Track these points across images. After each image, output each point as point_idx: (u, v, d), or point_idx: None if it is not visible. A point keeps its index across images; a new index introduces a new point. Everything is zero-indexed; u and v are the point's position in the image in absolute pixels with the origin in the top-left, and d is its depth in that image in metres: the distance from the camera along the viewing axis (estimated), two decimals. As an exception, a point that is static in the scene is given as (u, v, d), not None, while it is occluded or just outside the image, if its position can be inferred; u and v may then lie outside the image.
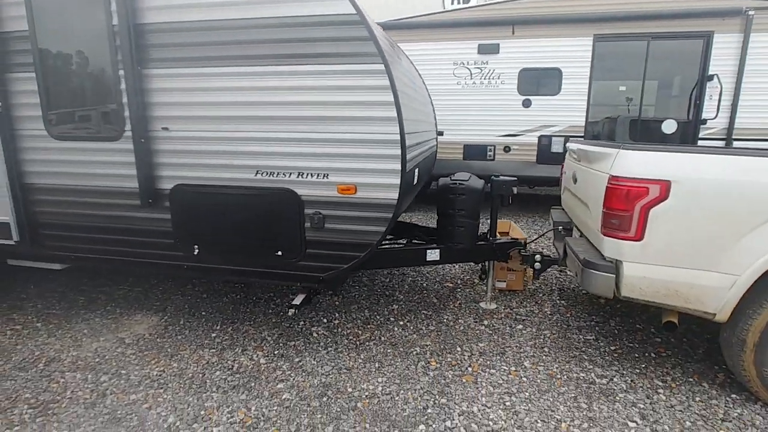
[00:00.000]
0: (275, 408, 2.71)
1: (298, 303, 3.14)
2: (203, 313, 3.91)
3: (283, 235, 2.82)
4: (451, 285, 4.56)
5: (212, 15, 2.66)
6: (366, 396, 2.83)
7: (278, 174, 2.74)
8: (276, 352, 3.29)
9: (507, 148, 7.07)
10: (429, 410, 2.70)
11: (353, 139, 2.61)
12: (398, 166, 2.61)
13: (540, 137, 6.88)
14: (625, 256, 2.56)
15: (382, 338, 3.51)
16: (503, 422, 2.57)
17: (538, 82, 6.72)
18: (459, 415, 2.65)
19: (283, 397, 2.81)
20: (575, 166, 3.60)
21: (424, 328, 3.68)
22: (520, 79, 6.86)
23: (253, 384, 2.93)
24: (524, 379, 2.97)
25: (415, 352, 3.31)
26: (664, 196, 2.41)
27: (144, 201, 2.92)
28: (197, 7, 2.67)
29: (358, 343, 3.44)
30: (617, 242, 2.57)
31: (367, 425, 2.57)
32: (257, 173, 2.77)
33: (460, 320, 3.80)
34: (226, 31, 2.67)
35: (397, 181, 2.63)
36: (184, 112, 2.81)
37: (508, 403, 2.73)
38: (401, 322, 3.76)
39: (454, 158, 7.31)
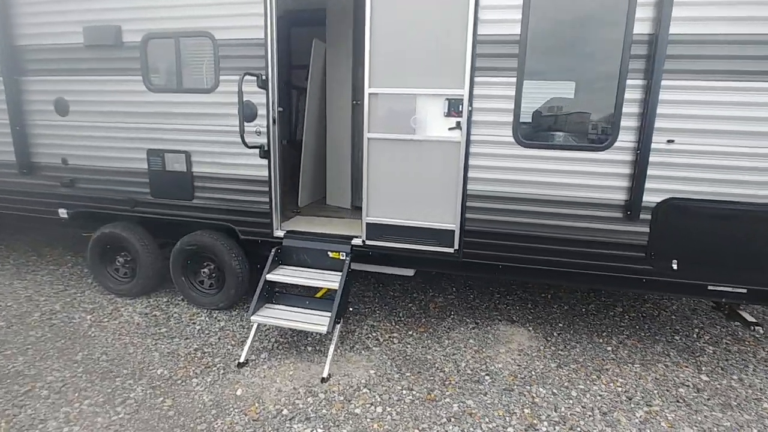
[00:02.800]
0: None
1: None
2: (560, 324, 3.83)
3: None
4: None
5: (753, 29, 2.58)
6: None
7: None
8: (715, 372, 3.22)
9: None
10: None
11: None
12: None
13: None
14: None
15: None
16: None
17: None
18: None
19: (789, 420, 2.75)
20: None
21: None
22: None
23: (735, 403, 2.85)
24: None
25: None
26: None
27: (631, 214, 2.85)
28: (736, 21, 2.59)
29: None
30: None
31: None
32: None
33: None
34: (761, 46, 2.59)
35: None
36: (695, 125, 2.74)
37: None
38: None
39: None
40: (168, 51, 3.51)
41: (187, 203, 3.73)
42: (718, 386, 3.03)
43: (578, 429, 2.57)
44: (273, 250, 3.47)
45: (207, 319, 3.79)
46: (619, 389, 2.96)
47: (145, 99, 3.62)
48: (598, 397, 2.87)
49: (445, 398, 2.81)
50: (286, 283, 3.37)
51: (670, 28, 2.63)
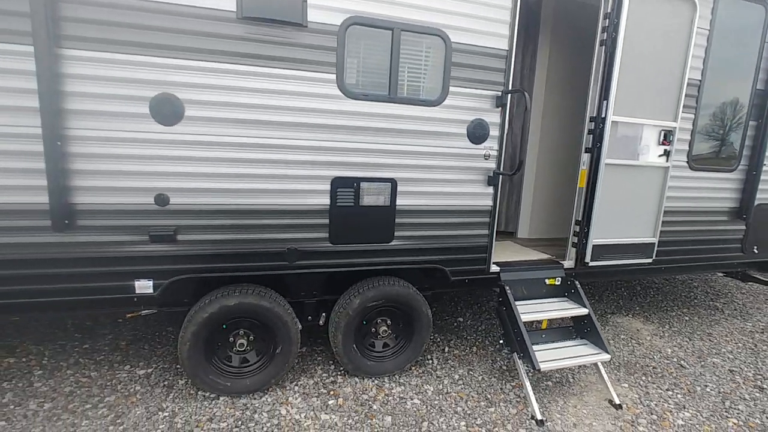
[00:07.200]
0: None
1: None
2: (636, 309, 4.73)
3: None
4: None
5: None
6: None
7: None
8: None
9: None
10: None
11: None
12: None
13: None
14: None
15: None
16: None
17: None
18: None
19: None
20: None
21: None
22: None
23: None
24: None
25: None
26: None
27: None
28: None
29: None
30: None
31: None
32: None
33: None
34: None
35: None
36: None
37: None
38: None
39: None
40: (376, 46, 2.58)
41: (384, 246, 2.83)
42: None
43: (775, 380, 3.46)
44: (508, 288, 3.06)
45: (403, 389, 2.99)
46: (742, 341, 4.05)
47: (339, 108, 2.56)
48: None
49: (706, 388, 3.23)
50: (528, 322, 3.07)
51: None
